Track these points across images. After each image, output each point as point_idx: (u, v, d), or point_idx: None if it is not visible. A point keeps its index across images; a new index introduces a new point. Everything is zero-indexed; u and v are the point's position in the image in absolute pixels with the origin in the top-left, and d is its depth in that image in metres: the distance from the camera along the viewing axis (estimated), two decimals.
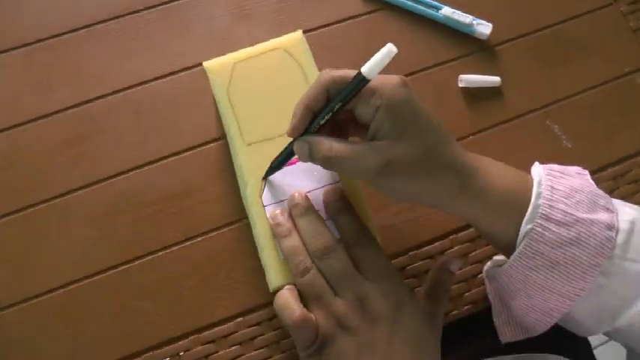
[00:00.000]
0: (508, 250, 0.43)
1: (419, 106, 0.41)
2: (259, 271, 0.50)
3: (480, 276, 0.54)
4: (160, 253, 0.53)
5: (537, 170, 0.44)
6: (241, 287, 0.52)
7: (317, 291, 0.44)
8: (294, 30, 0.54)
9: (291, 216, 0.47)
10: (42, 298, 0.52)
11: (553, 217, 0.41)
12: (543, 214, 0.41)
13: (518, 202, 0.42)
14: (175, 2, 0.61)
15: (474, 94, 0.59)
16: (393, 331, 0.42)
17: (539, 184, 0.42)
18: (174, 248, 0.53)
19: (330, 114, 0.42)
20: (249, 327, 0.52)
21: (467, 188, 0.42)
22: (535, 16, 0.62)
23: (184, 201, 0.55)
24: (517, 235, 0.42)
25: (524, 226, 0.41)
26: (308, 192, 0.48)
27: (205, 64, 0.52)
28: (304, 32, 0.54)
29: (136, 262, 0.53)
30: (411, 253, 0.54)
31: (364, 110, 0.41)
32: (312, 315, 0.43)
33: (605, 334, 0.46)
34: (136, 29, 0.60)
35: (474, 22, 0.60)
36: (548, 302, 0.42)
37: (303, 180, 0.49)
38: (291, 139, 0.45)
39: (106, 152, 0.56)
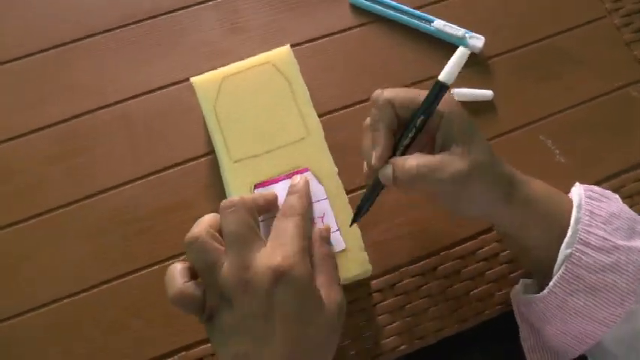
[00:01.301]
0: (541, 268, 0.44)
1: (470, 117, 0.43)
2: None
3: (472, 293, 0.53)
4: (151, 269, 0.53)
5: (577, 192, 0.44)
6: None
7: (206, 258, 0.39)
8: (284, 43, 0.54)
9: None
10: (32, 313, 0.51)
11: (592, 242, 0.41)
12: (581, 239, 0.41)
13: (559, 218, 0.42)
14: (165, 16, 0.61)
15: (466, 108, 0.57)
16: (269, 307, 0.37)
17: (579, 207, 0.43)
18: (164, 264, 0.53)
19: (414, 130, 0.42)
20: None
21: (518, 195, 0.42)
22: (528, 29, 0.62)
23: (175, 216, 0.54)
24: (555, 255, 0.42)
25: (563, 251, 0.41)
26: None
27: (193, 79, 0.52)
28: (294, 45, 0.54)
29: (127, 278, 0.53)
30: (401, 270, 0.54)
31: (429, 121, 0.42)
32: (194, 288, 0.39)
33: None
34: (127, 43, 0.60)
35: (467, 35, 0.60)
36: (583, 328, 0.42)
37: None
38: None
39: (97, 167, 0.56)
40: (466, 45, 0.59)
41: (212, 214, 0.42)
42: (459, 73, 0.58)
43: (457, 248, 0.54)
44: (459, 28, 0.60)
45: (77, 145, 0.56)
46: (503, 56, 0.61)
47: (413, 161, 0.41)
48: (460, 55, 0.41)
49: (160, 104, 0.58)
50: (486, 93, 0.59)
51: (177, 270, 0.40)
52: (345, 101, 0.58)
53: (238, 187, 0.49)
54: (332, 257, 0.44)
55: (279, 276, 0.37)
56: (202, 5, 0.61)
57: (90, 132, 0.57)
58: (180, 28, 0.61)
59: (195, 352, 0.51)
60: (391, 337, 0.52)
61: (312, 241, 0.44)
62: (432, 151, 0.43)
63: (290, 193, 0.45)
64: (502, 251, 0.55)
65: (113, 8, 0.61)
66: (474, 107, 0.59)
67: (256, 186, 0.49)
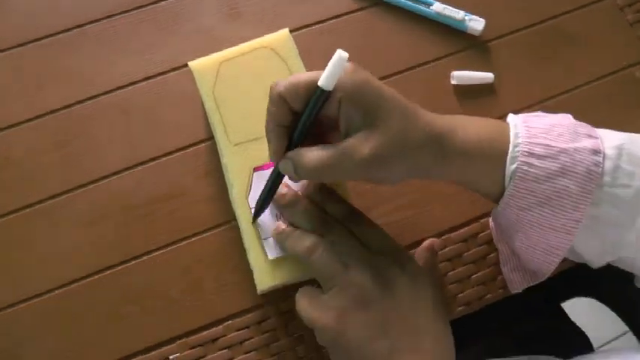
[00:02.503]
0: (494, 196, 0.43)
1: (378, 87, 0.40)
2: (248, 273, 0.49)
3: (474, 276, 0.53)
4: (148, 256, 0.52)
5: (513, 117, 0.44)
6: (230, 290, 0.51)
7: (329, 269, 0.42)
8: (283, 28, 0.53)
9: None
10: (29, 302, 0.51)
11: (535, 152, 0.40)
12: (525, 152, 0.40)
13: (498, 148, 0.41)
14: (164, 2, 0.60)
15: (467, 92, 0.58)
16: (414, 297, 0.42)
17: (516, 126, 0.42)
18: (162, 251, 0.52)
19: (303, 130, 0.41)
20: (237, 330, 0.51)
21: (448, 151, 0.41)
22: (529, 11, 0.61)
23: (173, 203, 0.54)
24: (503, 179, 0.41)
25: (509, 167, 0.41)
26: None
27: (191, 64, 0.52)
28: (293, 30, 0.53)
29: (124, 265, 0.52)
30: None
31: (328, 108, 0.40)
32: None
33: (611, 263, 0.45)
34: (125, 29, 0.59)
35: (466, 17, 0.59)
36: (547, 240, 0.42)
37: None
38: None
39: (95, 154, 0.55)
40: (466, 28, 0.59)
41: None
42: (457, 56, 0.58)
43: (458, 231, 0.54)
44: (458, 10, 0.59)
45: (75, 132, 0.56)
46: (504, 38, 0.60)
47: (311, 155, 0.40)
48: (337, 59, 0.38)
49: (159, 90, 0.57)
50: (487, 76, 0.58)
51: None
52: None
53: (238, 171, 0.49)
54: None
55: (405, 261, 0.44)
56: None
57: (87, 119, 0.56)
58: (178, 14, 0.60)
59: (194, 338, 0.50)
60: None
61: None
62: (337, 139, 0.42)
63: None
64: (467, 251, 0.54)
65: None
66: (474, 90, 0.58)
67: (256, 169, 0.49)
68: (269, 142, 0.43)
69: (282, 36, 0.52)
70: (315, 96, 0.39)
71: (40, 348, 0.50)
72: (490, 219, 0.50)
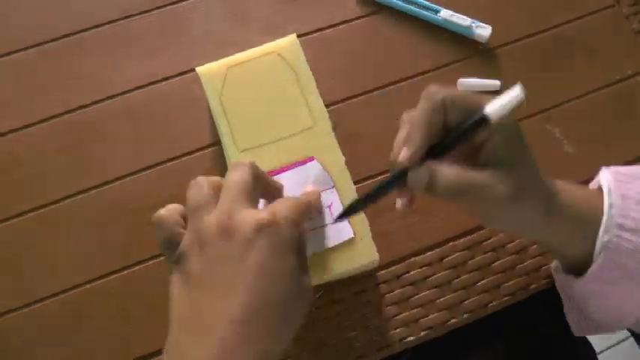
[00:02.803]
0: (581, 263, 0.42)
1: (521, 130, 0.40)
2: None
3: (479, 284, 0.53)
4: (156, 260, 0.53)
5: (606, 177, 0.43)
6: None
7: (196, 200, 0.38)
8: (290, 34, 0.53)
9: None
10: (37, 305, 0.51)
11: (627, 225, 0.40)
12: (618, 224, 0.40)
13: (593, 215, 0.41)
14: (171, 6, 0.61)
15: None
16: (246, 252, 0.35)
17: (609, 193, 0.41)
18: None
19: (448, 147, 0.39)
20: None
21: (553, 209, 0.40)
22: (535, 18, 0.61)
23: None
24: (592, 248, 0.40)
25: (601, 238, 0.40)
26: None
27: (198, 69, 0.52)
28: (300, 36, 0.54)
29: (132, 269, 0.52)
30: (408, 261, 0.53)
31: (479, 134, 0.39)
32: (179, 219, 0.39)
33: None
34: (133, 34, 0.59)
35: (473, 24, 0.59)
36: (624, 309, 0.42)
37: (298, 186, 0.48)
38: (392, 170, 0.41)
39: (102, 158, 0.56)
40: (473, 35, 0.59)
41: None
42: (463, 63, 0.58)
43: (464, 239, 0.54)
44: (465, 17, 0.59)
45: (82, 135, 0.56)
46: (510, 46, 0.60)
47: (453, 173, 0.38)
48: (514, 95, 0.37)
49: (165, 95, 0.58)
50: (494, 83, 0.58)
51: (174, 205, 0.40)
52: (352, 91, 0.58)
53: None
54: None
55: (265, 226, 0.36)
56: None
57: (95, 123, 0.57)
58: (185, 18, 0.60)
59: None
60: (398, 329, 0.51)
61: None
62: (470, 160, 0.40)
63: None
64: (509, 242, 0.54)
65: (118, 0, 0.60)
66: None
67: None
68: (410, 144, 0.39)
69: (289, 41, 0.52)
70: (476, 119, 0.38)
71: (48, 350, 0.50)
72: (552, 270, 0.49)
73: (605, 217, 0.40)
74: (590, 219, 0.41)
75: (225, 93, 0.51)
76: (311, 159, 0.49)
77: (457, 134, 0.38)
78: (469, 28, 0.59)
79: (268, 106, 0.51)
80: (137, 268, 0.52)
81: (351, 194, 0.49)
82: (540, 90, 0.59)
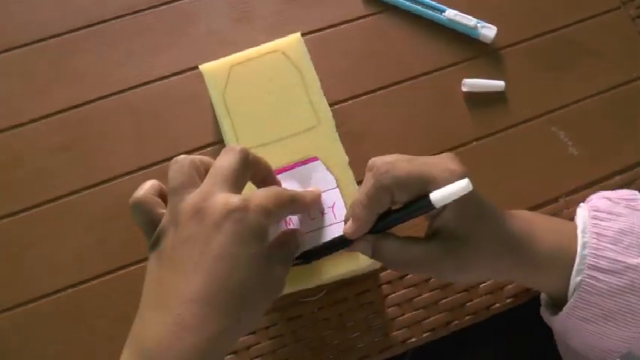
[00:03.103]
0: (560, 300, 0.42)
1: (479, 197, 0.40)
2: None
3: (482, 286, 0.53)
4: None
5: (582, 215, 0.43)
6: None
7: (176, 179, 0.38)
8: (295, 32, 0.53)
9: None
10: (36, 303, 0.51)
11: (601, 266, 0.40)
12: (591, 265, 0.40)
13: (566, 255, 0.41)
14: (175, 4, 0.60)
15: (478, 99, 0.58)
16: (212, 235, 0.36)
17: (584, 232, 0.41)
18: None
19: (393, 224, 0.40)
20: (245, 336, 0.50)
21: (522, 261, 0.41)
22: (540, 19, 0.61)
23: None
24: (568, 286, 0.41)
25: (574, 279, 0.40)
26: None
27: (202, 66, 0.51)
28: (304, 34, 0.53)
29: (131, 268, 0.52)
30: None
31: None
32: (155, 202, 0.39)
33: None
34: (135, 31, 0.59)
35: (478, 24, 0.59)
36: (604, 345, 0.41)
37: (300, 185, 0.48)
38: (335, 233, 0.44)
39: (103, 155, 0.55)
40: (478, 35, 0.59)
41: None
42: (468, 63, 0.58)
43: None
44: (470, 18, 0.59)
45: (83, 133, 0.56)
46: (515, 47, 0.60)
47: (396, 249, 0.40)
48: (459, 188, 0.36)
49: (168, 93, 0.57)
50: (498, 84, 0.58)
51: (150, 183, 0.40)
52: (356, 91, 0.58)
53: None
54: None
55: (233, 211, 0.36)
56: None
57: (96, 120, 0.56)
58: (189, 16, 0.60)
59: None
60: (401, 330, 0.51)
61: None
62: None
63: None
64: None
65: None
66: (485, 98, 0.58)
67: None
68: (354, 219, 0.40)
69: (293, 40, 0.52)
70: (422, 205, 0.38)
71: (46, 349, 0.50)
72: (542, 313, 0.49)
73: (577, 258, 0.40)
74: (563, 261, 0.41)
75: (228, 91, 0.51)
76: (314, 159, 0.48)
77: (402, 215, 0.39)
78: (474, 28, 0.59)
79: (272, 105, 0.50)
80: (137, 267, 0.52)
81: (353, 191, 0.48)
82: (545, 91, 0.58)
